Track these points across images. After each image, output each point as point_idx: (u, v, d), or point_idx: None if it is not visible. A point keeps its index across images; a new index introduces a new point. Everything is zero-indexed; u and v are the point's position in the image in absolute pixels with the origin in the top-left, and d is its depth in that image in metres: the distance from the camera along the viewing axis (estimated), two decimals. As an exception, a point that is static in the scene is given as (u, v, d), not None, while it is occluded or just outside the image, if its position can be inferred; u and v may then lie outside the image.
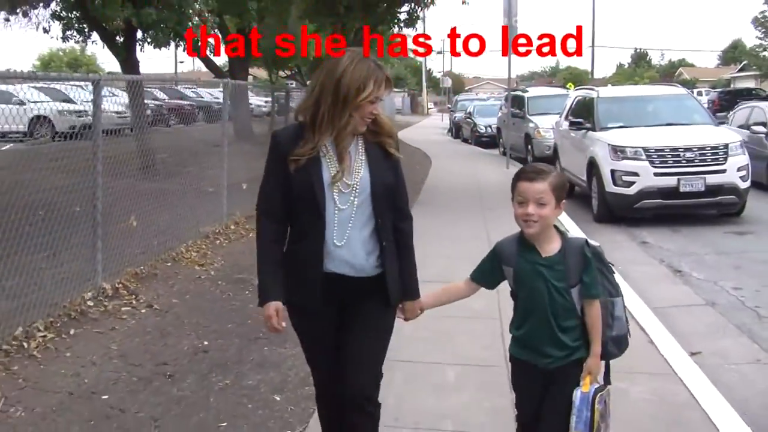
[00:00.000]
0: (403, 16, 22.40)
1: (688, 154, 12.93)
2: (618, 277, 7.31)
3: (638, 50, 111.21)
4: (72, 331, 6.65)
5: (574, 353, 3.62)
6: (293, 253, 3.66)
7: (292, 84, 47.39)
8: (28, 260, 7.04)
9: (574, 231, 11.44)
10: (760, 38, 55.42)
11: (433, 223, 12.24)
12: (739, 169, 13.00)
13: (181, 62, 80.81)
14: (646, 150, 13.03)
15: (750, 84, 62.24)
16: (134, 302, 7.56)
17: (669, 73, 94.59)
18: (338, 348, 3.72)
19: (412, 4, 21.19)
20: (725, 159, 12.93)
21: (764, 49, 55.72)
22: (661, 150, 12.99)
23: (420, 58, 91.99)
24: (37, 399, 5.33)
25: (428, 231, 11.00)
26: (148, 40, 19.89)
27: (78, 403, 5.33)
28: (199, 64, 48.27)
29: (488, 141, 32.18)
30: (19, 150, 17.92)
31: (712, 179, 12.76)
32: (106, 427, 4.95)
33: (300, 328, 3.82)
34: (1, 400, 5.26)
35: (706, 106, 49.98)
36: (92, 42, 22.57)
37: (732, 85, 69.86)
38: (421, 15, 22.86)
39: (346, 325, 3.72)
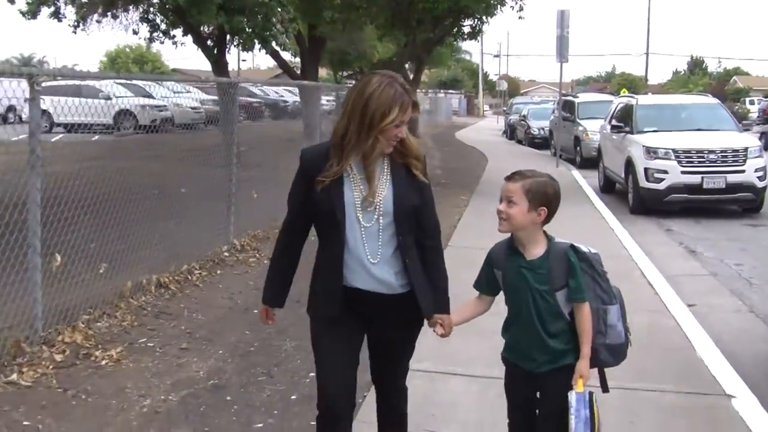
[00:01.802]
0: (466, 29, 24.22)
1: (712, 156, 14.86)
2: (639, 254, 9.46)
3: (694, 57, 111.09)
4: (218, 271, 8.93)
5: (561, 358, 3.72)
6: (319, 267, 3.76)
7: (351, 83, 49.29)
8: (184, 223, 9.34)
9: (612, 222, 13.49)
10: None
11: (487, 208, 14.25)
12: (756, 170, 14.89)
13: (243, 60, 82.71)
14: (674, 151, 14.98)
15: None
16: (257, 255, 9.78)
17: (723, 81, 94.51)
18: (369, 361, 3.95)
19: (475, 19, 23.04)
20: (744, 161, 14.85)
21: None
22: (688, 151, 14.94)
23: (477, 61, 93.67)
24: (208, 310, 7.56)
25: (483, 212, 13.14)
26: (236, 43, 22.19)
27: (237, 314, 7.55)
28: (258, 62, 50.46)
29: (541, 142, 33.56)
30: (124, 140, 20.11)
31: (732, 178, 14.69)
32: (261, 330, 6.98)
33: (319, 329, 3.85)
34: (184, 309, 7.50)
35: (756, 114, 51.03)
36: (181, 44, 24.76)
37: (786, 95, 70.16)
38: (483, 29, 24.62)
39: (373, 343, 3.90)
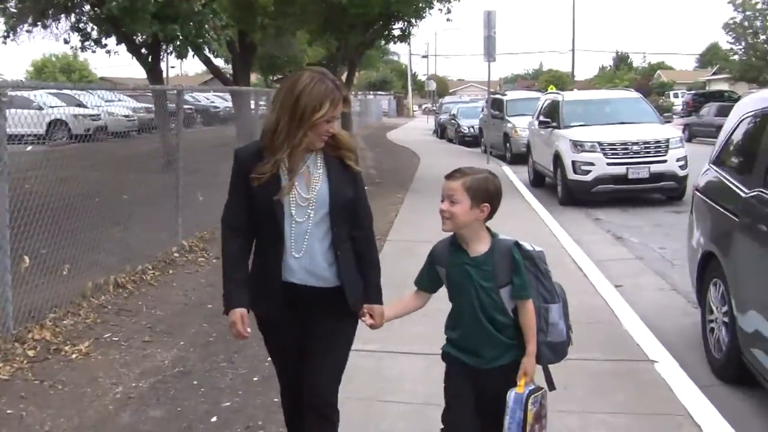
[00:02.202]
0: (396, 32, 24.78)
1: (635, 147, 15.64)
2: (569, 242, 10.04)
3: (619, 53, 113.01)
4: (170, 271, 9.31)
5: (508, 352, 3.70)
6: (257, 266, 3.78)
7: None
8: (136, 227, 9.71)
9: (542, 214, 14.10)
10: (731, 43, 57.84)
11: (422, 204, 14.82)
12: (678, 160, 15.68)
13: (172, 67, 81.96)
14: (600, 144, 15.75)
15: (724, 86, 64.25)
16: (206, 255, 10.19)
17: (648, 76, 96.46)
18: (302, 356, 3.83)
19: (405, 22, 23.60)
20: (666, 151, 15.64)
21: (735, 54, 58.02)
22: (613, 144, 15.71)
23: (405, 62, 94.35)
24: (165, 306, 7.94)
25: (419, 208, 13.74)
26: (170, 51, 22.46)
27: (193, 309, 7.97)
28: (185, 69, 50.57)
29: (471, 140, 34.35)
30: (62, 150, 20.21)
31: (655, 168, 15.47)
32: (216, 323, 7.32)
33: (266, 336, 3.96)
34: (143, 306, 7.88)
35: (680, 107, 52.31)
36: (115, 53, 24.86)
37: (707, 88, 71.90)
38: (413, 32, 25.19)
39: (308, 334, 3.80)
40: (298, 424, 3.88)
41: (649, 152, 15.60)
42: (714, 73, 75.30)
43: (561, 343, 3.80)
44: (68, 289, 7.70)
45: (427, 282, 3.88)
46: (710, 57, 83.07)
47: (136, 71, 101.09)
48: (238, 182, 3.72)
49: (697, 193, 7.42)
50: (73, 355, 6.40)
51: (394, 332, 6.21)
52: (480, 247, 3.69)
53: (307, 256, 3.66)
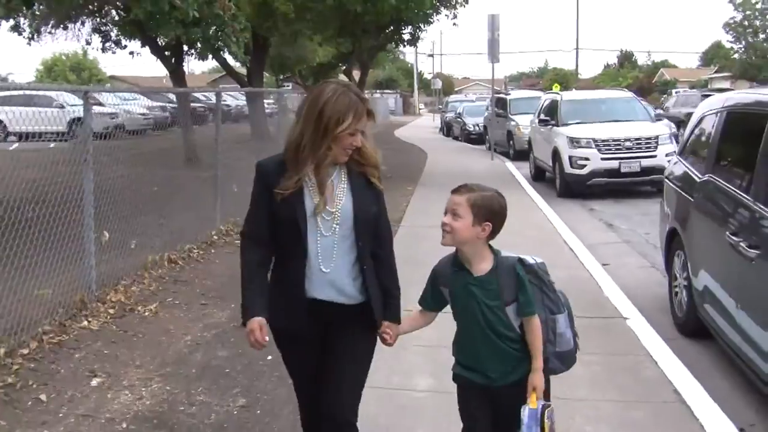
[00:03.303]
0: (406, 36, 26.11)
1: (627, 143, 16.98)
2: (563, 228, 11.34)
3: (624, 51, 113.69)
4: (212, 250, 10.66)
5: (519, 367, 3.68)
6: (278, 280, 3.72)
7: (288, 86, 50.56)
8: (178, 215, 11.08)
9: (541, 204, 15.40)
10: (731, 42, 59.04)
11: (431, 195, 16.13)
12: (667, 155, 16.85)
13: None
14: (595, 140, 17.10)
15: (725, 84, 65.14)
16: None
17: (652, 74, 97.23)
18: (320, 371, 3.79)
19: (414, 27, 24.93)
20: (656, 147, 16.96)
21: (735, 52, 59.17)
22: (607, 140, 17.05)
23: (411, 61, 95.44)
24: (213, 278, 9.27)
25: (428, 198, 15.09)
26: (191, 53, 23.82)
27: (237, 281, 9.13)
28: (192, 68, 51.71)
29: (476, 138, 35.43)
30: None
31: (646, 162, 16.77)
32: None
33: (283, 352, 3.91)
34: (194, 278, 9.23)
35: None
36: (137, 54, 26.11)
37: (709, 86, 72.90)
38: (422, 36, 26.45)
39: (328, 350, 3.78)
40: None
41: (640, 148, 16.91)
42: (716, 72, 76.18)
43: (569, 352, 3.86)
44: (132, 263, 9.04)
45: (431, 303, 3.88)
46: (712, 55, 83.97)
47: (145, 70, 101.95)
48: (260, 195, 3.70)
49: (666, 180, 8.78)
50: (146, 314, 7.74)
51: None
52: (483, 265, 3.68)
53: (335, 270, 3.64)
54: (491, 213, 3.65)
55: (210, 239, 11.08)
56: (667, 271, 8.40)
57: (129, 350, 6.74)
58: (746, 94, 7.63)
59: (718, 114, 7.60)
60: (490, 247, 3.73)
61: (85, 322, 7.24)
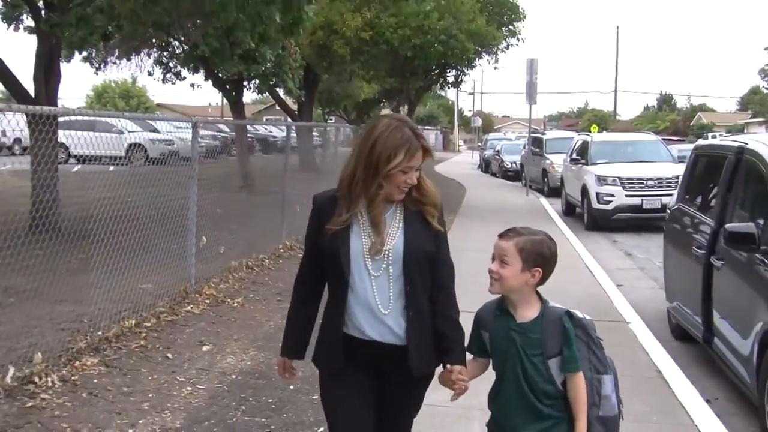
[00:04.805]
0: (450, 79, 27.92)
1: (650, 182, 18.64)
2: (586, 255, 13.10)
3: (663, 93, 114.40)
4: (280, 261, 12.42)
5: (555, 427, 3.44)
6: (324, 317, 3.62)
7: (332, 119, 52.41)
8: (253, 229, 12.90)
9: (569, 235, 17.00)
10: (766, 88, 60.19)
11: (469, 223, 17.84)
12: (686, 194, 18.60)
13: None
14: (620, 179, 18.79)
15: (761, 129, 65.76)
16: (302, 251, 13.26)
17: (689, 117, 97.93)
18: (363, 413, 3.60)
19: (458, 71, 26.74)
20: (676, 185, 18.45)
21: (771, 97, 60.28)
22: (631, 179, 18.73)
23: (452, 98, 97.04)
24: (285, 281, 10.90)
25: (467, 227, 16.77)
26: (251, 87, 25.81)
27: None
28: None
29: (513, 175, 36.86)
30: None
31: (667, 200, 18.15)
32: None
33: (331, 397, 3.68)
34: (269, 280, 10.98)
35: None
36: (198, 86, 27.85)
37: (745, 130, 73.53)
38: (464, 79, 28.18)
39: (377, 394, 3.63)
40: None
41: (661, 186, 18.53)
42: (752, 116, 76.94)
43: (613, 418, 3.56)
44: (217, 267, 10.82)
45: (475, 347, 3.65)
46: (748, 101, 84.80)
47: (188, 99, 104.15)
48: (312, 228, 3.63)
49: (667, 211, 10.47)
50: (234, 305, 9.49)
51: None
52: (528, 312, 3.49)
53: (389, 311, 3.48)
54: (541, 258, 3.50)
55: (277, 251, 12.84)
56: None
57: (227, 329, 8.49)
58: (710, 141, 10.06)
59: (694, 156, 9.51)
60: (538, 294, 3.56)
61: (189, 308, 9.02)
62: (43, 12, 13.68)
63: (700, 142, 9.75)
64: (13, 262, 6.97)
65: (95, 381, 6.64)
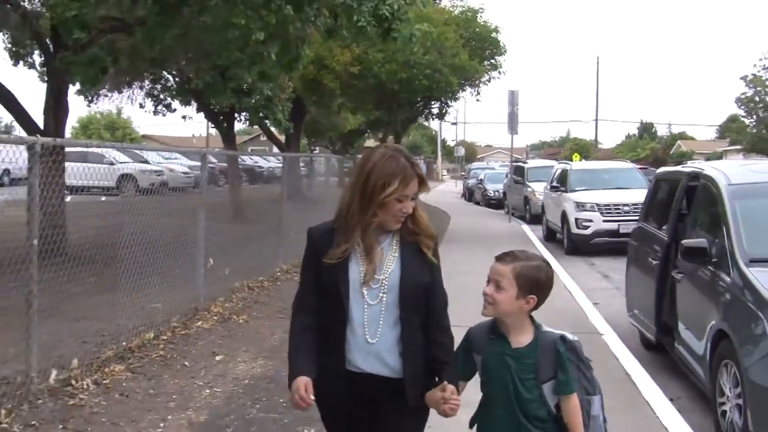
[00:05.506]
0: (435, 110, 28.88)
1: (626, 208, 19.54)
2: (565, 276, 14.07)
3: (644, 122, 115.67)
4: (278, 282, 13.29)
5: None
6: (321, 349, 3.55)
7: (315, 150, 53.09)
8: (251, 253, 13.72)
9: (550, 260, 17.79)
10: (743, 117, 61.25)
11: (454, 249, 18.68)
12: (661, 219, 19.53)
13: (213, 127, 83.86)
14: (598, 205, 19.75)
15: (738, 157, 66.82)
16: (297, 274, 14.10)
17: (669, 145, 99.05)
18: None
19: (442, 103, 27.71)
20: (648, 210, 19.50)
21: (746, 126, 61.28)
22: (608, 205, 19.69)
23: (435, 128, 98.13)
24: (284, 301, 11.53)
25: (452, 253, 17.61)
26: (241, 119, 26.63)
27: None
28: (212, 129, 53.70)
29: (496, 203, 37.52)
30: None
31: (642, 225, 19.29)
32: None
33: (327, 425, 3.77)
34: (269, 300, 11.79)
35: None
36: (189, 118, 28.65)
37: (723, 158, 74.62)
38: (448, 110, 29.17)
39: (374, 425, 3.62)
40: None
41: (637, 211, 19.24)
42: (730, 144, 77.89)
43: None
44: (221, 288, 11.64)
45: (460, 368, 3.60)
46: (725, 129, 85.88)
47: (175, 130, 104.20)
48: (309, 262, 3.62)
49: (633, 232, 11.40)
50: (240, 321, 10.33)
51: None
52: (522, 338, 3.48)
53: (381, 342, 3.48)
54: (537, 284, 3.47)
55: (275, 275, 13.66)
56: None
57: (235, 341, 9.31)
58: (668, 168, 11.40)
59: (653, 181, 10.72)
60: (532, 319, 3.55)
61: (200, 323, 9.84)
62: (52, 51, 14.48)
63: (661, 169, 10.78)
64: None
65: (124, 384, 7.47)
